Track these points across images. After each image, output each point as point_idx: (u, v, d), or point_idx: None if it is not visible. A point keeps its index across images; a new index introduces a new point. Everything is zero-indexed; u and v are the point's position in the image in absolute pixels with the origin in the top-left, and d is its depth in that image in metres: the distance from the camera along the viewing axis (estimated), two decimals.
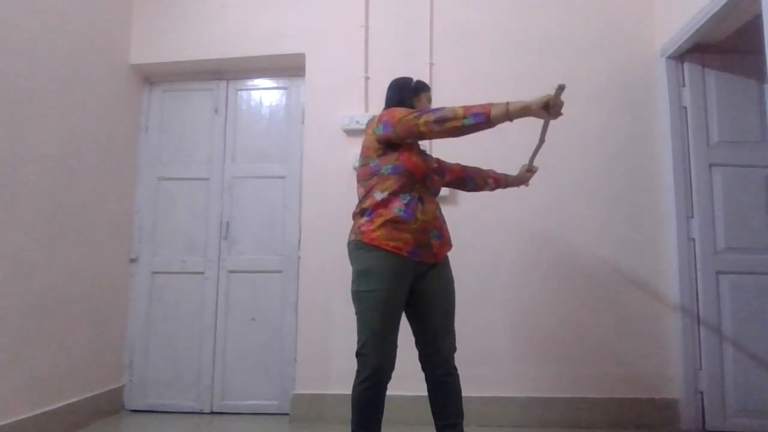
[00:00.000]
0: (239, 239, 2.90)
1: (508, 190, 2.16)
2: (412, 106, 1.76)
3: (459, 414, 1.68)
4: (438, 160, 1.89)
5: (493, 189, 2.04)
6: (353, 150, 2.57)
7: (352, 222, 1.73)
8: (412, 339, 1.72)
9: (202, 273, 2.89)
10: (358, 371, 1.59)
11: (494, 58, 2.72)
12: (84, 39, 2.56)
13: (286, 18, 2.86)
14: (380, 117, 1.66)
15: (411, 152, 1.65)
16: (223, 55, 2.89)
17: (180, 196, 2.98)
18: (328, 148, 2.74)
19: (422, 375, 1.71)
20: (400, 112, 1.62)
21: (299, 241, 2.79)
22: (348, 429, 1.63)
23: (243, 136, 2.99)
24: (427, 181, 1.69)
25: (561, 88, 1.39)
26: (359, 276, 1.62)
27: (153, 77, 3.08)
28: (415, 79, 1.87)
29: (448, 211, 1.91)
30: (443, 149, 2.42)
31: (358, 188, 1.72)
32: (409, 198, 1.62)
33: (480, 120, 1.47)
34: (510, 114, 1.44)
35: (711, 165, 2.51)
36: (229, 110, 3.02)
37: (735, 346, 2.40)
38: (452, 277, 1.76)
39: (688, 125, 2.55)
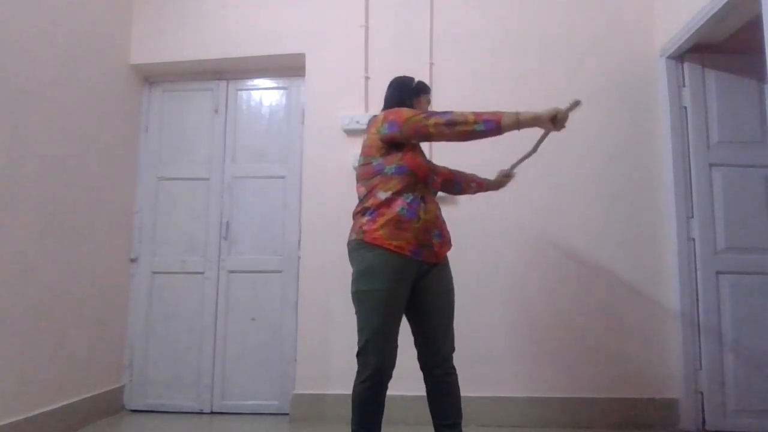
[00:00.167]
0: (239, 239, 2.90)
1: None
2: (411, 107, 1.75)
3: (458, 414, 1.68)
4: (430, 162, 1.89)
5: (474, 192, 2.06)
6: (353, 150, 2.57)
7: (352, 222, 1.71)
8: (412, 339, 1.72)
9: (202, 273, 2.89)
10: (358, 371, 1.59)
11: (494, 58, 2.71)
12: (84, 39, 2.56)
13: (286, 18, 2.86)
14: (385, 116, 1.65)
15: (414, 152, 1.65)
16: (223, 55, 2.89)
17: (180, 196, 2.98)
18: (328, 148, 2.74)
19: (422, 375, 1.71)
20: (407, 112, 1.62)
21: (299, 241, 2.79)
22: (348, 429, 1.62)
23: (243, 136, 2.99)
24: (428, 181, 1.69)
25: (576, 104, 1.37)
26: (360, 275, 1.61)
27: (153, 77, 3.08)
28: (416, 79, 1.86)
29: (448, 211, 1.91)
30: (443, 153, 2.43)
31: (358, 187, 1.71)
32: (412, 197, 1.61)
33: (490, 127, 1.48)
34: (520, 124, 1.46)
35: (711, 165, 2.51)
36: (229, 110, 3.02)
37: (735, 346, 2.40)
38: (452, 277, 1.76)
39: (688, 125, 2.55)
